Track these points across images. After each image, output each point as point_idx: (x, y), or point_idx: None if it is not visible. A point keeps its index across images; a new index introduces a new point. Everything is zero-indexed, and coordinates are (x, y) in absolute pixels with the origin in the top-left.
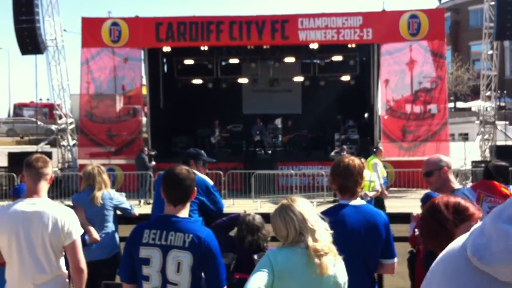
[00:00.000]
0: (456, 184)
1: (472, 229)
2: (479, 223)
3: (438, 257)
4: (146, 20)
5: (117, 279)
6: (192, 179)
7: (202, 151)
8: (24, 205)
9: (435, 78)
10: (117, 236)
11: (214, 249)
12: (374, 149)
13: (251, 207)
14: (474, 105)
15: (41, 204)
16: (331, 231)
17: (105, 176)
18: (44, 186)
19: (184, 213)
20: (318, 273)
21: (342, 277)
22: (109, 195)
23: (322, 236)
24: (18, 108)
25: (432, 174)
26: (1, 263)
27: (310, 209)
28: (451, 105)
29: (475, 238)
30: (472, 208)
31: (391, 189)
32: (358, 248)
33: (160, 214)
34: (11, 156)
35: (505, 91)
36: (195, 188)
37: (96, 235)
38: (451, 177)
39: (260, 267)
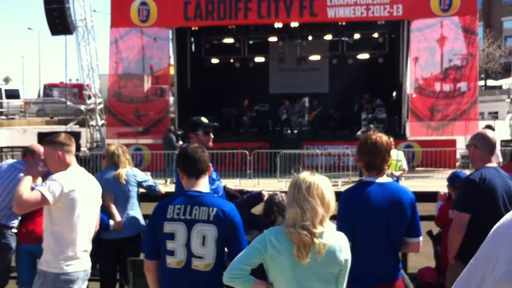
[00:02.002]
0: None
1: None
2: None
3: (498, 229)
4: None
5: (143, 256)
6: (203, 151)
7: (202, 119)
8: None
9: (466, 55)
10: (141, 214)
11: (238, 223)
12: None
13: (276, 186)
14: (505, 83)
15: None
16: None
17: (128, 156)
18: None
19: (205, 187)
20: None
21: (342, 255)
22: (133, 173)
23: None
24: (48, 89)
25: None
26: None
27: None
28: (481, 83)
29: None
30: None
31: (417, 168)
32: (382, 225)
33: (182, 190)
34: (41, 136)
35: None
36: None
37: (119, 220)
38: (483, 155)
39: (254, 245)
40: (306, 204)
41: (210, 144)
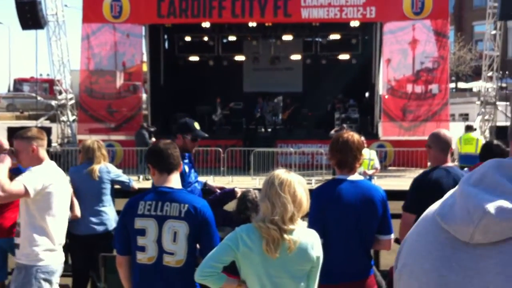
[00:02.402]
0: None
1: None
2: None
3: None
4: None
5: (115, 252)
6: (175, 147)
7: (195, 124)
8: None
9: (437, 58)
10: (114, 210)
11: (209, 219)
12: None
13: (250, 184)
14: (476, 85)
15: None
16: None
17: (104, 151)
18: None
19: (176, 183)
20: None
21: (314, 252)
22: (106, 169)
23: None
24: (18, 83)
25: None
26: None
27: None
28: (452, 85)
29: (444, 199)
30: None
31: (389, 168)
32: (354, 223)
33: (154, 186)
34: (11, 131)
35: (507, 72)
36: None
37: (78, 212)
38: (436, 155)
39: (226, 242)
40: (276, 200)
41: (193, 151)
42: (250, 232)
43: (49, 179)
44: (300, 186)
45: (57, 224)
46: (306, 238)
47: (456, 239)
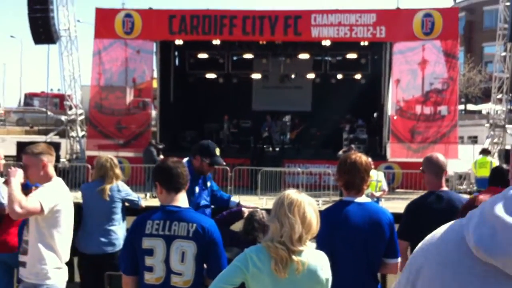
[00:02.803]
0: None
1: (468, 214)
2: (476, 210)
3: (426, 241)
4: (159, 12)
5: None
6: (184, 166)
7: (216, 150)
8: None
9: (447, 79)
10: (125, 229)
11: (217, 239)
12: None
13: (257, 203)
14: (485, 107)
15: None
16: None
17: (118, 170)
18: None
19: (183, 202)
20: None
21: (323, 274)
22: (117, 187)
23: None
24: (29, 98)
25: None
26: None
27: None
28: (461, 107)
29: (476, 226)
30: None
31: (397, 190)
32: (361, 246)
33: (161, 205)
34: (20, 145)
35: None
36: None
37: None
38: (430, 180)
39: (235, 264)
40: (285, 220)
41: (207, 174)
42: (259, 252)
43: (59, 197)
44: (310, 207)
45: (64, 242)
46: (315, 260)
47: (501, 272)
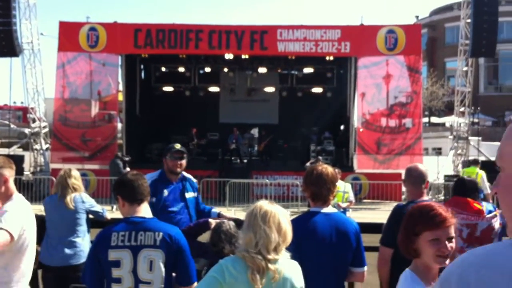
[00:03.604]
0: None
1: None
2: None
3: (481, 270)
4: (125, 26)
5: None
6: (143, 178)
7: (174, 144)
8: None
9: (411, 93)
10: (89, 241)
11: (184, 246)
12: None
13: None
14: (448, 120)
15: None
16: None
17: (76, 181)
18: None
19: (147, 212)
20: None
21: (298, 282)
22: (81, 199)
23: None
24: None
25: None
26: None
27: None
28: (425, 120)
29: None
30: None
31: (364, 201)
32: (328, 255)
33: (124, 217)
34: None
35: (478, 108)
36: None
37: None
38: (410, 189)
39: (211, 275)
40: (260, 230)
41: (177, 169)
42: (235, 262)
43: (24, 218)
44: (283, 217)
45: (29, 261)
46: (290, 269)
47: None
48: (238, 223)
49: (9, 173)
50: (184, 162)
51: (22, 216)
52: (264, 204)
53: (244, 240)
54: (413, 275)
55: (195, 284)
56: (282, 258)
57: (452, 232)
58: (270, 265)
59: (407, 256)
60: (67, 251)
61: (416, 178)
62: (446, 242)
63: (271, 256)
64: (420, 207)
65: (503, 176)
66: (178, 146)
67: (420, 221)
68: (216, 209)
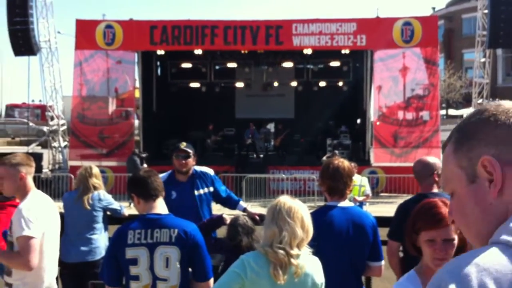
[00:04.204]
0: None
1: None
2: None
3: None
4: (141, 23)
5: None
6: (155, 174)
7: (181, 144)
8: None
9: (428, 85)
10: (106, 238)
11: (200, 242)
12: None
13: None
14: (466, 112)
15: None
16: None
17: (96, 180)
18: None
19: (163, 209)
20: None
21: (318, 278)
22: (98, 196)
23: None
24: (10, 109)
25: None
26: None
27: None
28: (443, 112)
29: None
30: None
31: (381, 194)
32: (345, 249)
33: (140, 214)
34: (1, 156)
35: (497, 99)
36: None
37: None
38: (419, 182)
39: (233, 270)
40: (286, 225)
41: (183, 169)
42: (256, 258)
43: (40, 215)
44: (306, 213)
45: (51, 261)
46: (311, 265)
47: None
48: (262, 218)
49: (26, 170)
50: (190, 160)
51: (36, 214)
52: (287, 200)
53: (267, 234)
54: (413, 275)
55: (211, 279)
56: (303, 254)
57: (451, 233)
58: (292, 260)
59: (412, 253)
60: (84, 247)
61: (419, 172)
62: (443, 244)
63: (294, 252)
64: (424, 204)
65: (455, 201)
66: (183, 145)
67: (419, 218)
68: (243, 203)
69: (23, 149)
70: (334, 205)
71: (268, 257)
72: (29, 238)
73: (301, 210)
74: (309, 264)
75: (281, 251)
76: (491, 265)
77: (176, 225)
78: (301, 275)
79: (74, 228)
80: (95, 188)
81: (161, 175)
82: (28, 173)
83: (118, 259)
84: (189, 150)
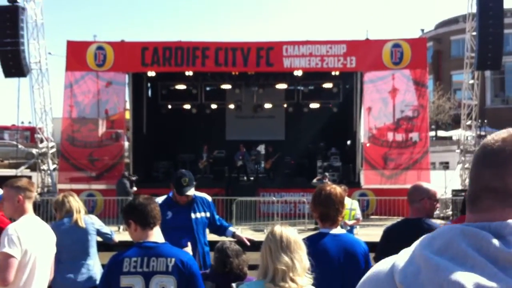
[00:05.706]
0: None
1: (401, 252)
2: (408, 248)
3: (365, 276)
4: (132, 45)
5: None
6: (154, 202)
7: (183, 180)
8: None
9: (417, 107)
10: (99, 263)
11: (196, 272)
12: None
13: None
14: (455, 134)
15: None
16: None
17: (77, 202)
18: None
19: (159, 237)
20: None
21: None
22: (90, 220)
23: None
24: None
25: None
26: None
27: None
28: (432, 133)
29: (404, 265)
30: None
31: (372, 217)
32: (337, 278)
33: (136, 242)
34: None
35: (485, 121)
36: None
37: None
38: (409, 207)
39: None
40: (287, 259)
41: (181, 202)
42: None
43: (25, 237)
44: (302, 243)
45: (39, 283)
46: None
47: None
48: (252, 242)
49: (25, 194)
50: (190, 193)
51: (21, 236)
52: (283, 230)
53: (270, 268)
54: None
55: None
56: (306, 285)
57: None
58: None
59: None
60: (80, 275)
61: (410, 195)
62: None
63: (298, 285)
64: None
65: None
66: (185, 181)
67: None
68: (233, 228)
69: (12, 172)
70: (326, 233)
71: None
72: (8, 256)
73: (298, 240)
74: None
75: (286, 285)
76: None
77: (173, 255)
78: None
79: (69, 255)
80: (79, 211)
81: (157, 199)
82: (27, 197)
83: (112, 287)
84: (191, 187)
